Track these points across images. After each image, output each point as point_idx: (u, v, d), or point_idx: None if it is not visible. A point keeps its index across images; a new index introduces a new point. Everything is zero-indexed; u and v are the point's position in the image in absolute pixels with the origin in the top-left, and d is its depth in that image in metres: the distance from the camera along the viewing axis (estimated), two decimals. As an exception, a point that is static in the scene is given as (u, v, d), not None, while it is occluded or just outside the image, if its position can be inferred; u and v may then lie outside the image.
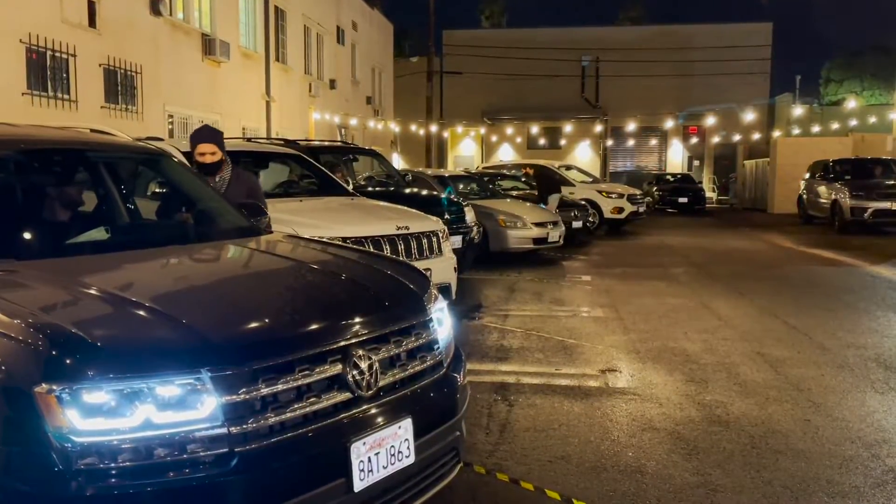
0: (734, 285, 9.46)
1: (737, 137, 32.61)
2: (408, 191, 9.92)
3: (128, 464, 1.96)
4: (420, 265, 5.22)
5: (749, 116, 27.66)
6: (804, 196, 20.34)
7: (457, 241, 8.28)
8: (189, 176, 4.11)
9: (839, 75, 46.74)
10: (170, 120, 14.17)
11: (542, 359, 5.84)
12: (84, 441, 1.94)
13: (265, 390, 2.14)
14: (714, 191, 35.68)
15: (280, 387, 2.18)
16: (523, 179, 15.45)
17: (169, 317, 2.26)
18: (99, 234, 3.29)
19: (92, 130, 4.08)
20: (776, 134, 30.94)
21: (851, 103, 32.10)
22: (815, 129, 31.48)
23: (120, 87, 12.42)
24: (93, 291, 2.43)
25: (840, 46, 58.91)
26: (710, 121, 30.00)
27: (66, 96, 11.09)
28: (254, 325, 2.37)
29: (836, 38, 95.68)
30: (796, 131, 32.81)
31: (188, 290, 2.70)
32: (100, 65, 11.87)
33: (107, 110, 12.01)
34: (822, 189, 18.79)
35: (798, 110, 33.56)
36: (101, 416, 1.96)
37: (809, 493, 3.43)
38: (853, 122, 29.71)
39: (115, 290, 2.49)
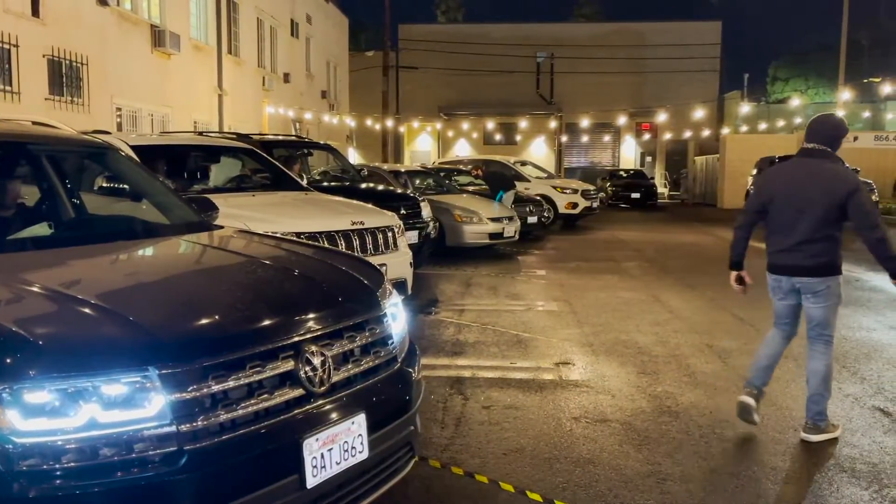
0: (685, 278, 9.67)
1: (688, 134, 33.30)
2: (363, 186, 9.86)
3: (73, 464, 1.92)
4: (375, 260, 5.22)
5: (699, 113, 28.25)
6: (752, 191, 20.88)
7: (413, 236, 8.26)
8: (137, 170, 4.01)
9: (785, 74, 48.13)
10: (118, 113, 13.81)
11: (497, 353, 5.88)
12: (26, 442, 1.88)
13: (215, 387, 2.11)
14: (666, 186, 36.38)
15: (231, 384, 2.15)
16: (475, 176, 15.50)
17: (115, 313, 2.20)
18: (42, 229, 3.19)
19: (34, 123, 3.94)
20: (725, 131, 31.70)
21: (796, 101, 33.06)
22: (762, 126, 32.34)
23: (65, 78, 12.04)
24: (35, 289, 2.36)
25: (786, 46, 60.62)
26: (661, 117, 30.55)
27: (8, 88, 10.72)
28: (203, 321, 2.33)
29: (783, 38, 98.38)
30: (744, 128, 33.70)
31: (135, 286, 2.64)
32: (44, 55, 11.50)
33: (51, 102, 11.64)
34: (768, 185, 19.28)
35: (746, 108, 34.40)
36: (43, 416, 1.91)
37: (755, 480, 3.53)
38: (798, 120, 30.61)
39: (59, 286, 2.43)
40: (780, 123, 31.47)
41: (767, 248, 4.13)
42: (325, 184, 9.39)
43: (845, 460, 3.77)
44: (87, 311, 2.22)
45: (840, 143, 3.99)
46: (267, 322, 2.39)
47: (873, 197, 16.86)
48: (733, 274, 4.24)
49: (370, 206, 6.95)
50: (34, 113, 10.07)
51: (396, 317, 2.91)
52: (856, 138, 24.88)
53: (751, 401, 4.12)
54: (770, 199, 4.06)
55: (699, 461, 3.75)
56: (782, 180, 4.06)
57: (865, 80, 32.04)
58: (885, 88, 23.59)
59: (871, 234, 3.82)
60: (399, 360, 2.82)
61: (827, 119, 4.08)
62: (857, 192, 3.82)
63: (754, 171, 21.07)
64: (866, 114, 34.13)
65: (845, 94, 24.36)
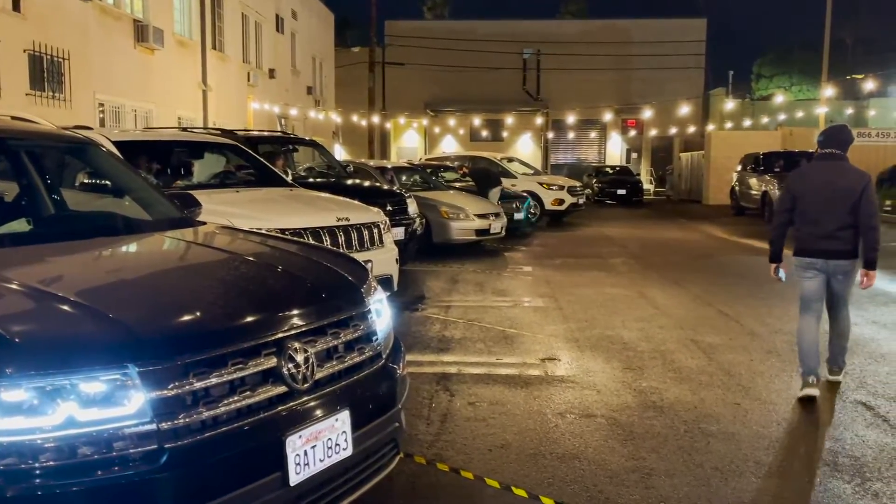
0: (670, 275, 9.71)
1: (673, 130, 33.44)
2: (349, 182, 9.82)
3: (51, 463, 1.89)
4: (361, 257, 5.20)
5: (684, 110, 28.37)
6: (736, 188, 21.00)
7: (399, 232, 8.24)
8: (118, 165, 3.97)
9: (769, 71, 48.47)
10: (100, 109, 13.69)
11: (483, 349, 5.88)
12: (3, 441, 1.86)
13: (196, 385, 2.09)
14: (651, 183, 36.52)
15: (212, 381, 2.12)
16: (462, 173, 15.50)
17: (94, 310, 2.17)
18: (20, 225, 3.15)
19: (13, 118, 3.89)
20: (710, 127, 31.85)
21: (780, 98, 33.28)
22: (747, 122, 32.52)
23: (46, 73, 11.91)
24: (12, 286, 2.32)
25: (771, 44, 61.07)
26: (647, 114, 30.66)
27: (-13, 83, 10.60)
28: (183, 317, 2.30)
29: (767, 36, 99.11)
30: (729, 125, 33.85)
31: (115, 283, 2.60)
32: (24, 50, 11.36)
33: (32, 98, 11.51)
34: (753, 181, 19.44)
35: (730, 104, 34.58)
36: (20, 415, 1.88)
37: (739, 474, 3.55)
38: (782, 117, 30.83)
39: (37, 283, 2.39)
40: (765, 120, 31.63)
41: (798, 236, 4.79)
42: (311, 180, 9.33)
43: (828, 454, 3.80)
44: (65, 308, 2.19)
45: (848, 148, 4.80)
46: (249, 318, 2.36)
47: None
48: (773, 266, 4.95)
49: (356, 202, 6.92)
50: (15, 109, 9.94)
51: (381, 313, 2.90)
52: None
53: (815, 391, 4.64)
54: (800, 195, 4.74)
55: (684, 456, 3.77)
56: (810, 179, 4.77)
57: (848, 78, 32.32)
58: (868, 85, 23.77)
59: (870, 222, 4.56)
60: (384, 356, 2.80)
61: (841, 129, 4.92)
62: (870, 183, 4.66)
63: (739, 168, 21.19)
64: (849, 111, 34.36)
65: (829, 91, 24.54)
